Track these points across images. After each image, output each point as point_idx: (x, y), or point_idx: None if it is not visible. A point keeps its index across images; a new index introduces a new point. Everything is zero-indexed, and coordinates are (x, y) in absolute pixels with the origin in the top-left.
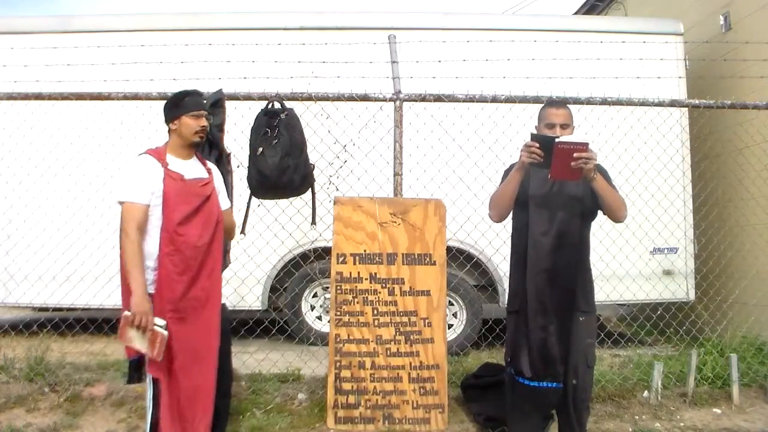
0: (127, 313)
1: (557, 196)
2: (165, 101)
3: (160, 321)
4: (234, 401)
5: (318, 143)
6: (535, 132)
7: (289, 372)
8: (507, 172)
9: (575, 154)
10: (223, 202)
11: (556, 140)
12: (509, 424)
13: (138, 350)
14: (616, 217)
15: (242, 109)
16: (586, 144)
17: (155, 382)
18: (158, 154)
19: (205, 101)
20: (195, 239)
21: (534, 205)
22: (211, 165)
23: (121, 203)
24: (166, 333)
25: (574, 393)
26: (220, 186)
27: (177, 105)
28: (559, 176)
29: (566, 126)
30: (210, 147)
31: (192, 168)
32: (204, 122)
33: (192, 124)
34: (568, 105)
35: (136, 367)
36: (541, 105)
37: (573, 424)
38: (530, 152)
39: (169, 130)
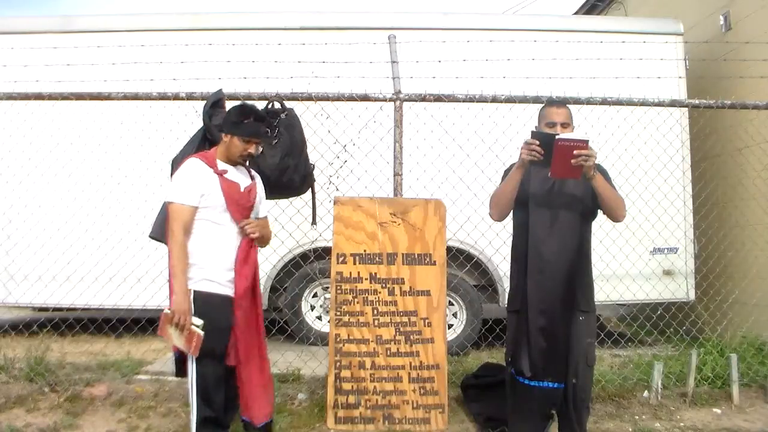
0: (166, 311)
1: (557, 196)
2: (231, 107)
3: (197, 321)
4: None
5: (318, 143)
6: (535, 130)
7: (289, 372)
8: (507, 172)
9: (575, 152)
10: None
11: (557, 137)
12: (509, 424)
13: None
14: (616, 216)
15: None
16: (586, 141)
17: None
18: (208, 159)
19: (260, 126)
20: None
21: (534, 204)
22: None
23: (168, 203)
24: (202, 333)
25: (574, 393)
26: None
27: (236, 124)
28: (559, 174)
29: (567, 125)
30: (210, 147)
31: (238, 174)
32: (252, 149)
33: (240, 147)
34: (568, 105)
35: (180, 361)
36: (541, 105)
37: (573, 424)
38: (530, 149)
39: (221, 138)
